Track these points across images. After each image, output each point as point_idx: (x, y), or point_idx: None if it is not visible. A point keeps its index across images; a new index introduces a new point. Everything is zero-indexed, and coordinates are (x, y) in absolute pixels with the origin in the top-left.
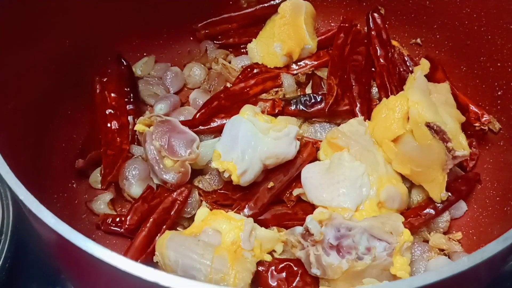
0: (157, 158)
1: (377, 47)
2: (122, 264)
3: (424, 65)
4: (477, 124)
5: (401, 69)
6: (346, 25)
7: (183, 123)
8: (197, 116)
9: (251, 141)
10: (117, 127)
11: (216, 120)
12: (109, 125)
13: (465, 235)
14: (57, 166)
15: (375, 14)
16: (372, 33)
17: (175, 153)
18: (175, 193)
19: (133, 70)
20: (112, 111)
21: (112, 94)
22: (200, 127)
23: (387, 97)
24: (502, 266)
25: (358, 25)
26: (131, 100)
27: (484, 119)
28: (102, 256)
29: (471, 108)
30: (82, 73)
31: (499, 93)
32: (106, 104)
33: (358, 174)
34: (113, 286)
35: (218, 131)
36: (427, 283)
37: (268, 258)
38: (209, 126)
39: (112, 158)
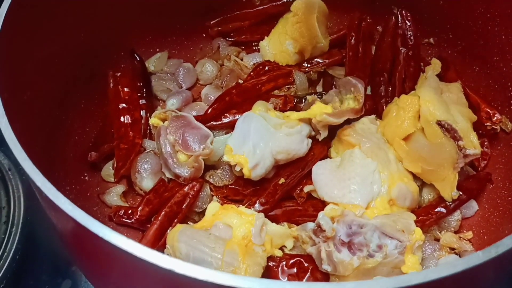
0: (171, 152)
1: (399, 45)
2: (138, 251)
3: (436, 65)
4: (488, 124)
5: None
6: (356, 22)
7: (195, 118)
8: (209, 111)
9: (263, 136)
10: (130, 121)
11: (228, 115)
12: (122, 119)
13: (476, 235)
14: (70, 159)
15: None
16: (398, 31)
17: (189, 148)
18: (187, 187)
19: (146, 66)
20: (125, 105)
21: (125, 89)
22: (212, 122)
23: (399, 95)
24: None
25: (368, 18)
26: (144, 95)
27: (495, 118)
28: (118, 243)
29: (482, 107)
30: (96, 67)
31: (511, 93)
32: (119, 98)
33: (369, 171)
34: (127, 274)
35: (229, 127)
36: (441, 276)
37: (278, 253)
38: (220, 122)
39: (125, 152)
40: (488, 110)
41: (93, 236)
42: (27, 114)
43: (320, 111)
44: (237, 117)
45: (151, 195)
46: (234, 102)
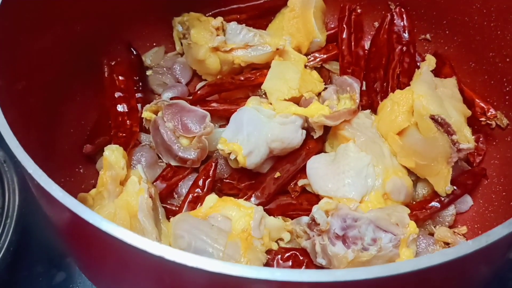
0: (173, 138)
1: (394, 43)
2: (128, 238)
3: (430, 61)
4: (483, 119)
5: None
6: (346, 14)
7: (183, 99)
8: (198, 93)
9: (256, 125)
10: (126, 110)
11: (214, 105)
12: (118, 107)
13: (470, 230)
14: (65, 151)
15: (397, 10)
16: (394, 28)
17: (189, 130)
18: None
19: (142, 60)
20: (121, 94)
21: (120, 77)
22: (198, 106)
23: (394, 91)
24: (507, 253)
25: (358, 8)
26: (140, 88)
27: (489, 113)
28: (108, 229)
29: (477, 102)
30: (92, 60)
31: (507, 88)
32: (115, 87)
33: (363, 165)
34: (118, 261)
35: (216, 115)
36: (432, 265)
37: (275, 246)
38: (207, 107)
39: (123, 141)
40: (483, 105)
41: (84, 223)
42: (21, 104)
43: (317, 112)
44: (224, 106)
45: (158, 181)
46: (224, 88)
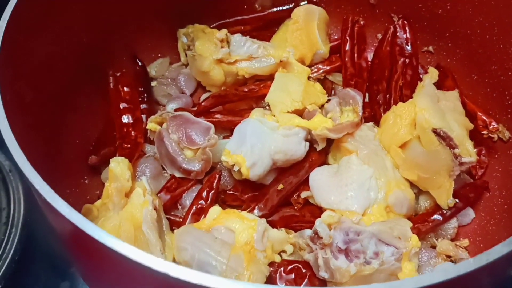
0: (177, 150)
1: (397, 55)
2: (133, 254)
3: (433, 73)
4: (485, 132)
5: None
6: (349, 26)
7: (188, 111)
8: (202, 104)
9: (260, 137)
10: (131, 121)
11: (217, 116)
12: (123, 118)
13: (472, 243)
14: (71, 162)
15: (400, 22)
16: (397, 40)
17: (194, 142)
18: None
19: (147, 71)
20: (126, 105)
21: (125, 88)
22: (202, 117)
23: (396, 103)
24: (508, 270)
25: (361, 20)
26: (145, 99)
27: (491, 127)
28: (113, 246)
29: (479, 115)
30: (98, 71)
31: (509, 101)
32: (120, 98)
33: (365, 177)
34: (123, 276)
35: (220, 126)
36: (432, 283)
37: (277, 258)
38: (211, 119)
39: (128, 152)
40: (485, 119)
41: (90, 238)
42: (28, 117)
43: (321, 124)
44: (228, 118)
45: (163, 193)
46: (228, 99)
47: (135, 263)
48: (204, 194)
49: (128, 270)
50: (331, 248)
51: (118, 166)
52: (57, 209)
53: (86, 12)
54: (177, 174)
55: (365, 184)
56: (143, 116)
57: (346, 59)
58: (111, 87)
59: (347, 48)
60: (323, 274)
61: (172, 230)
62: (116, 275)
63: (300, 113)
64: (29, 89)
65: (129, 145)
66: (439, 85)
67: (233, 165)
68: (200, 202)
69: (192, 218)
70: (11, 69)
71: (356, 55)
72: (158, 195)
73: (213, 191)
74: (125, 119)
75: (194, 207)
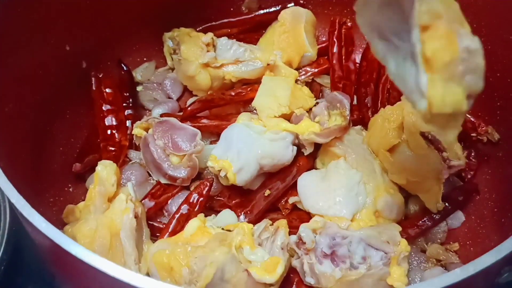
0: (163, 156)
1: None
2: (110, 270)
3: None
4: (473, 134)
5: None
6: (336, 28)
7: (174, 116)
8: (188, 109)
9: (246, 141)
10: (115, 123)
11: (204, 121)
12: (106, 120)
13: (462, 246)
14: (55, 170)
15: None
16: None
17: (180, 148)
18: (193, 188)
19: (133, 75)
20: (109, 107)
21: (108, 90)
22: (188, 122)
23: (384, 106)
24: (496, 279)
25: (348, 22)
26: (130, 105)
27: (480, 128)
28: (90, 261)
29: (467, 118)
30: (82, 78)
31: (498, 103)
32: (103, 99)
33: (354, 182)
34: None
35: (206, 131)
36: None
37: None
38: (197, 124)
39: (113, 154)
40: (473, 120)
41: (67, 254)
42: (8, 126)
43: (308, 129)
44: (215, 123)
45: (147, 199)
46: (215, 103)
47: (113, 279)
48: (192, 200)
49: (107, 285)
50: (315, 253)
51: (105, 169)
52: (34, 224)
53: (68, 19)
54: (163, 181)
55: (353, 189)
56: (129, 122)
57: (334, 62)
58: (94, 88)
59: (334, 50)
60: (309, 280)
61: (155, 236)
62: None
63: (287, 117)
64: (8, 99)
65: (113, 148)
66: None
67: (219, 171)
68: (187, 208)
69: (177, 223)
70: None
71: (344, 57)
72: (142, 201)
73: (202, 199)
74: (109, 121)
75: (180, 213)
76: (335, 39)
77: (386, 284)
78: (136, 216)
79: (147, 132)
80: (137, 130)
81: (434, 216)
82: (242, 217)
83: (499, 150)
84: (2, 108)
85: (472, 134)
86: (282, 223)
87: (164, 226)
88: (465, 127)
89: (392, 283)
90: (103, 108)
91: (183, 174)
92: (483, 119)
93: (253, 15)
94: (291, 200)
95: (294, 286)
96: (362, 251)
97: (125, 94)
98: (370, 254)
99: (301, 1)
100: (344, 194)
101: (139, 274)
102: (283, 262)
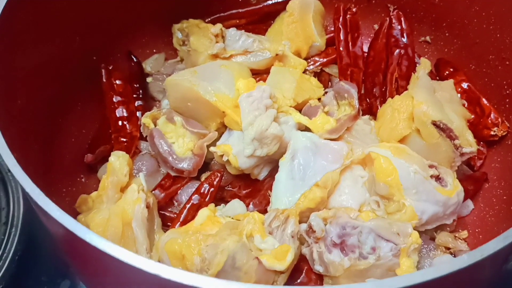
0: (168, 150)
1: (392, 47)
2: (124, 256)
3: (425, 64)
4: (494, 129)
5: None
6: (341, 15)
7: None
8: None
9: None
10: (126, 114)
11: None
12: (117, 112)
13: (471, 234)
14: (67, 161)
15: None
16: (392, 32)
17: (196, 125)
18: (204, 179)
19: (143, 67)
20: (120, 98)
21: (118, 81)
22: None
23: (392, 96)
24: (504, 265)
25: (353, 7)
26: (140, 96)
27: (501, 126)
28: (105, 248)
29: (487, 113)
30: (92, 70)
31: (507, 91)
32: (114, 91)
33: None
34: (115, 278)
35: None
36: (426, 280)
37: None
38: None
39: (125, 145)
40: (497, 116)
41: (81, 241)
42: (21, 119)
43: (323, 126)
44: None
45: (156, 190)
46: None
47: (126, 265)
48: (203, 190)
49: (120, 272)
50: (325, 242)
51: (118, 160)
52: (49, 213)
53: (79, 12)
54: (171, 173)
55: (359, 180)
56: (139, 113)
57: (340, 49)
58: (104, 80)
59: (341, 37)
60: (318, 267)
61: (167, 226)
62: (109, 276)
63: (297, 108)
64: (20, 93)
65: (125, 139)
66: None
67: (222, 156)
68: (198, 198)
69: (188, 213)
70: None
71: (350, 43)
72: (153, 192)
73: (212, 189)
74: (120, 112)
75: (191, 203)
76: (340, 26)
77: (394, 275)
78: (147, 206)
79: (156, 123)
80: (146, 119)
81: None
82: (251, 207)
83: (508, 138)
84: (15, 101)
85: (492, 129)
86: (292, 212)
87: (175, 216)
88: (486, 122)
89: (401, 274)
90: (114, 99)
91: (188, 167)
92: (492, 107)
93: (261, 5)
94: None
95: (303, 274)
96: (372, 242)
97: (135, 85)
98: (380, 245)
99: None
100: (350, 186)
101: (152, 261)
102: (293, 250)
